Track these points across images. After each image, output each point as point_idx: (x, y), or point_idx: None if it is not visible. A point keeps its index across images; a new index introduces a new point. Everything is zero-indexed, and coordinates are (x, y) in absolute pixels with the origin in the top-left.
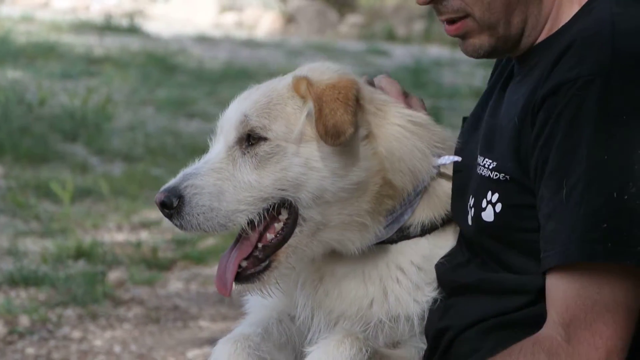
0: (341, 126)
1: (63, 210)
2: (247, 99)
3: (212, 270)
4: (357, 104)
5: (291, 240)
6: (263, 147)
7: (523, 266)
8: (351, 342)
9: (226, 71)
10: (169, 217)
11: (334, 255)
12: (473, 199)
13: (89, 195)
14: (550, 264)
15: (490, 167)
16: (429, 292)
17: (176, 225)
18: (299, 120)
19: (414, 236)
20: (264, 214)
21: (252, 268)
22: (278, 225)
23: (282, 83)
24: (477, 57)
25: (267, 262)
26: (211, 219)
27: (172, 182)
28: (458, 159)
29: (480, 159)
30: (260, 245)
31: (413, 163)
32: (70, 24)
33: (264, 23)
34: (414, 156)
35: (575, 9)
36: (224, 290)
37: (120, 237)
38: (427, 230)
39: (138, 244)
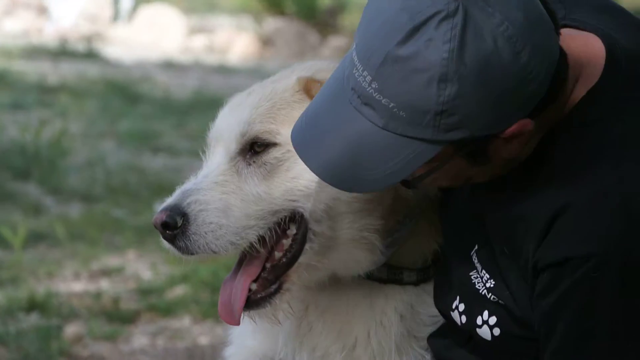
0: None
1: (13, 257)
2: (242, 105)
3: (180, 323)
4: None
5: (302, 258)
6: (272, 154)
7: None
8: None
9: (195, 100)
10: (172, 239)
11: (318, 285)
12: (462, 304)
13: (43, 240)
14: None
15: (488, 285)
16: (415, 345)
17: (180, 248)
18: None
19: (407, 283)
20: (275, 229)
21: (262, 291)
22: (286, 242)
23: (282, 85)
24: None
25: (277, 283)
26: (220, 237)
27: (171, 200)
28: None
29: (478, 265)
30: (268, 265)
31: None
32: (22, 48)
33: (238, 46)
34: None
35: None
36: (232, 320)
37: (77, 286)
38: (422, 278)
39: (98, 295)
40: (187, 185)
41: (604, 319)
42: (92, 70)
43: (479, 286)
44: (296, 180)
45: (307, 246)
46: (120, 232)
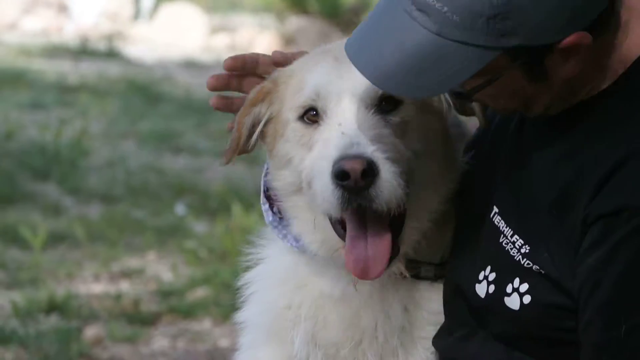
0: None
1: (33, 257)
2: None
3: (201, 325)
4: None
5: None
6: (402, 113)
7: (549, 358)
8: None
9: None
10: (360, 190)
11: (330, 276)
12: (493, 274)
13: (63, 240)
14: None
15: (522, 250)
16: (421, 346)
17: (363, 199)
18: None
19: (425, 278)
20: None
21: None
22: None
23: None
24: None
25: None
26: (396, 190)
27: (349, 150)
28: None
29: (506, 229)
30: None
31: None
32: (41, 47)
33: (260, 45)
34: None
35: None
36: (371, 274)
37: (97, 288)
38: (440, 274)
39: (118, 296)
40: (341, 139)
41: None
42: (112, 70)
43: (513, 252)
44: (419, 141)
45: (410, 219)
46: (140, 233)
